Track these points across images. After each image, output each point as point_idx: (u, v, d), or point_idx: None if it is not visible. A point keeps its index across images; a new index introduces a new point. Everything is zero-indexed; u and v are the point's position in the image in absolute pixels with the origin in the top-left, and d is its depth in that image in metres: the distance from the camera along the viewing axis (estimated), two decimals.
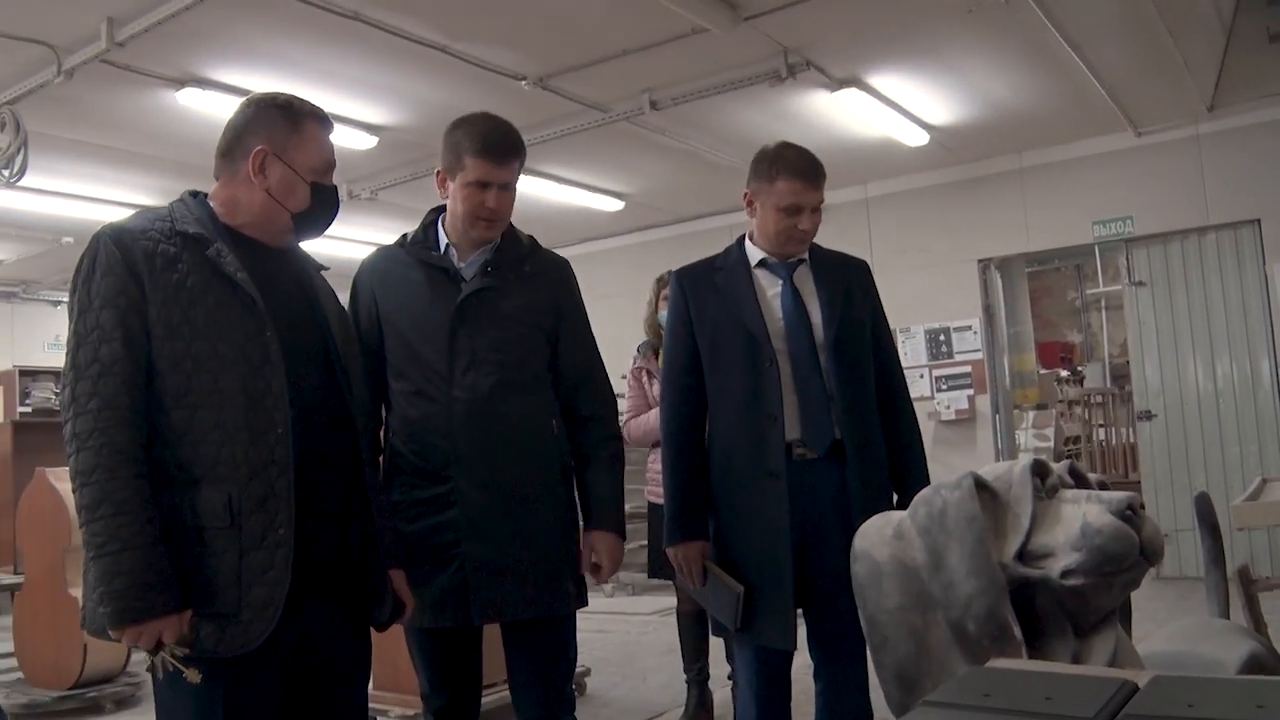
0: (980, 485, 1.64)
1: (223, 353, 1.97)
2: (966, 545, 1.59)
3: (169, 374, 1.94)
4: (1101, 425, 10.17)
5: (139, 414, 1.92)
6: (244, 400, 1.96)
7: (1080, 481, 1.67)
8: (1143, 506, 1.58)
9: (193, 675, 1.87)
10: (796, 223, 2.75)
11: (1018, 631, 1.54)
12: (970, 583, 1.57)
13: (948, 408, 8.22)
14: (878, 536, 1.71)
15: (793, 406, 2.69)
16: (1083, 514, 1.56)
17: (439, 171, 2.58)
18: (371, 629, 2.25)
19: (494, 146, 2.50)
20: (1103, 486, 1.69)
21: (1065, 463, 1.70)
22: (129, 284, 1.94)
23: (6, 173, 5.72)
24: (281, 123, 2.11)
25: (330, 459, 2.11)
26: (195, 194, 2.16)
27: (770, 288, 2.81)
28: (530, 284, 2.59)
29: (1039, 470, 1.64)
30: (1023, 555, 1.59)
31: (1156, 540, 1.56)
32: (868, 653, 2.68)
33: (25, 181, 5.99)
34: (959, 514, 1.61)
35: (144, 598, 1.84)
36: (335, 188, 2.20)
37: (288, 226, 2.14)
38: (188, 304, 1.96)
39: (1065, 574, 1.54)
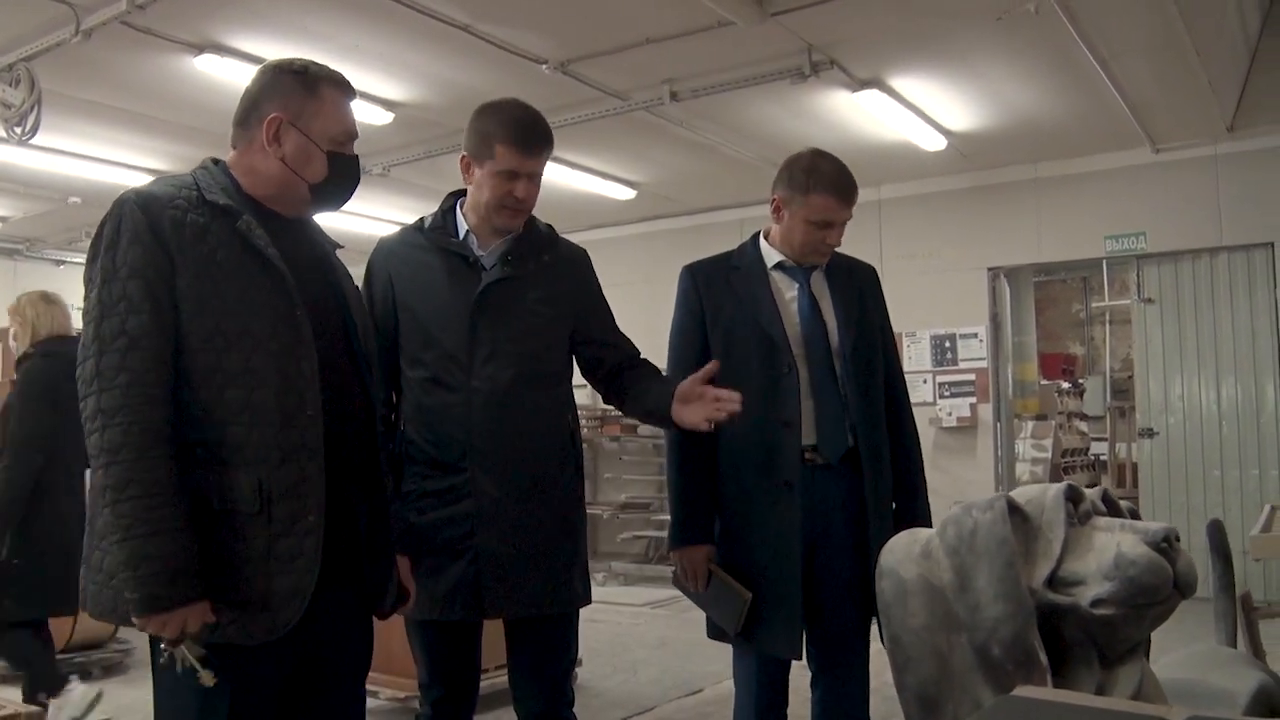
0: (1012, 508, 1.61)
1: (255, 331, 1.89)
2: (995, 568, 1.56)
3: (198, 351, 1.86)
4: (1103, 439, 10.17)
5: (168, 391, 1.84)
6: (276, 381, 1.89)
7: (1113, 509, 1.65)
8: (1178, 539, 1.55)
9: (207, 678, 1.81)
10: (825, 237, 2.72)
11: (1043, 658, 1.52)
12: (997, 606, 1.55)
13: (949, 414, 8.20)
14: (905, 554, 1.68)
15: (809, 414, 2.66)
16: (1116, 543, 1.53)
17: (464, 156, 2.53)
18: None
19: (526, 136, 2.46)
20: (1133, 515, 1.67)
21: (1099, 489, 1.67)
22: (157, 254, 1.85)
23: (19, 130, 5.67)
24: (298, 89, 2.03)
25: (350, 442, 2.05)
26: (217, 161, 2.08)
27: (787, 291, 2.77)
28: (550, 274, 2.55)
29: (1072, 496, 1.62)
30: (1052, 581, 1.56)
31: (1190, 574, 1.53)
32: (868, 664, 2.70)
33: (36, 139, 5.92)
34: (989, 536, 1.59)
35: (174, 584, 1.77)
36: (355, 157, 2.12)
37: (305, 198, 2.07)
38: (220, 279, 1.88)
39: (1096, 603, 1.52)
